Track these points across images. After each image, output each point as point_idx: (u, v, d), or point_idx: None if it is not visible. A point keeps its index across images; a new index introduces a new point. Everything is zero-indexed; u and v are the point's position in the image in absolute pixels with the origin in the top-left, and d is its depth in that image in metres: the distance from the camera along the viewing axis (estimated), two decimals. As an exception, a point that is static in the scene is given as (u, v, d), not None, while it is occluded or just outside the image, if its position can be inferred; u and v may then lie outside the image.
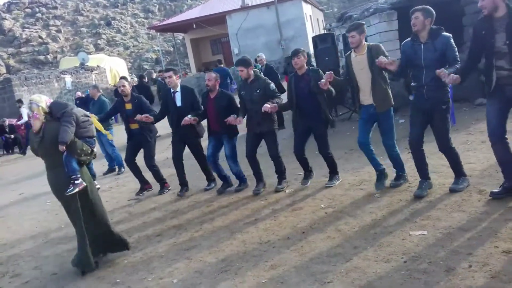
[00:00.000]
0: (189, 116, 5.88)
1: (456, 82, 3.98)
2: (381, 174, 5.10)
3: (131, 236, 5.00)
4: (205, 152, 6.21)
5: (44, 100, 4.24)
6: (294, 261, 3.70)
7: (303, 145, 5.62)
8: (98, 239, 4.37)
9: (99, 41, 41.65)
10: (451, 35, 4.34)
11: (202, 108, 6.08)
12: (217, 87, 5.95)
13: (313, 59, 10.79)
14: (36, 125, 4.17)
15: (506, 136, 4.07)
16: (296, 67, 5.46)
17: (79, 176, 4.17)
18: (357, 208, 4.61)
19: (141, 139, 6.49)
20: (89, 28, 44.24)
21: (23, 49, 39.30)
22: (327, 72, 5.06)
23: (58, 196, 4.26)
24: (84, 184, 4.20)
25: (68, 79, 20.84)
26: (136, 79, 23.14)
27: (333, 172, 5.60)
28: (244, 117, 5.75)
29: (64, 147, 4.07)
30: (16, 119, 14.65)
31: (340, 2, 46.67)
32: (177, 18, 30.20)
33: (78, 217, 4.23)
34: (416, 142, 4.58)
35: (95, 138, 4.59)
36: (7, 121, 15.35)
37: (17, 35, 40.46)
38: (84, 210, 4.25)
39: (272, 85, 5.68)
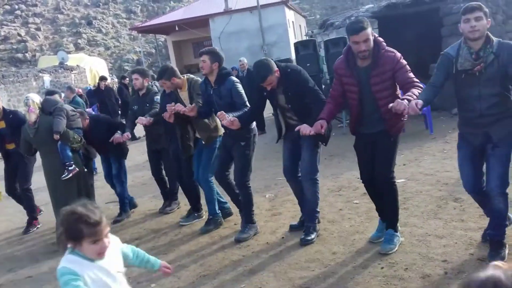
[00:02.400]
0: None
1: (233, 126, 3.93)
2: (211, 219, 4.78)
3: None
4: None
5: (37, 97, 4.94)
6: (273, 266, 3.71)
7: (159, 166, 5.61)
8: None
9: (79, 41, 41.12)
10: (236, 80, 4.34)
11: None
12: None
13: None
14: (32, 117, 4.77)
15: None
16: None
17: (72, 162, 4.82)
18: (335, 214, 4.66)
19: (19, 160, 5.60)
20: (69, 27, 43.64)
21: (1, 47, 38.53)
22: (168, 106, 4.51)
23: (52, 180, 4.87)
24: (77, 169, 4.85)
25: (47, 78, 20.49)
26: (116, 79, 22.90)
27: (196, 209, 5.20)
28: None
29: (58, 136, 4.71)
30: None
31: (322, 9, 47.17)
32: (160, 19, 30.07)
33: (65, 202, 4.26)
34: (220, 175, 4.52)
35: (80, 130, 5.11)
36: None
37: (-6, 32, 39.65)
38: (73, 195, 4.62)
39: (157, 97, 5.29)
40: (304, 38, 25.13)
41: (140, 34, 35.91)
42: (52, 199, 4.95)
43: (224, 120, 3.93)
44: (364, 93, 3.52)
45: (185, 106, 4.46)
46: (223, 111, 3.99)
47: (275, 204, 5.30)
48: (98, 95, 12.16)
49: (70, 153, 4.83)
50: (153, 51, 38.22)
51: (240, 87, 4.34)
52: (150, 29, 30.35)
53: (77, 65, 23.20)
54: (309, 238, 4.04)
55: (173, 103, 4.47)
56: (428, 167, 5.68)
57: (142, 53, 35.24)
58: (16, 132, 5.19)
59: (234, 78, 4.37)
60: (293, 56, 11.59)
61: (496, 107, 3.07)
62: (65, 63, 22.71)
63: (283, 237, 4.28)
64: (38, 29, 42.28)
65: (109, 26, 44.90)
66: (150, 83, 5.76)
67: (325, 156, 7.10)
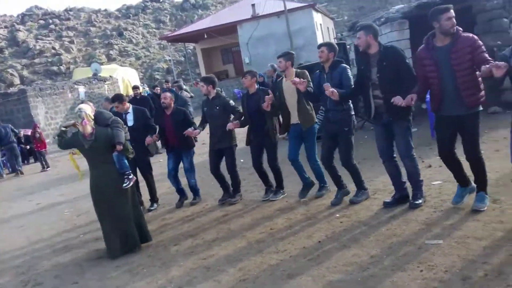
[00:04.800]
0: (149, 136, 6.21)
1: (333, 96, 4.68)
2: (307, 185, 5.79)
3: (149, 245, 5.09)
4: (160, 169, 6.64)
5: (89, 109, 4.96)
6: (311, 270, 3.75)
7: (260, 159, 5.98)
8: (118, 231, 4.93)
9: (111, 52, 42.19)
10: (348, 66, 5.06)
11: (156, 127, 6.42)
12: (172, 105, 6.31)
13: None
14: (88, 129, 4.82)
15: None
16: (245, 86, 5.99)
17: (131, 171, 5.04)
18: (372, 217, 4.66)
19: None
20: (101, 38, 44.84)
21: (36, 60, 39.93)
22: (267, 97, 5.51)
23: (102, 189, 4.89)
24: (135, 178, 5.12)
25: (82, 89, 21.14)
26: (147, 88, 23.39)
27: (279, 186, 6.01)
28: (203, 130, 6.24)
29: (122, 147, 4.90)
30: (31, 130, 14.90)
31: (350, 10, 46.81)
32: (188, 28, 30.54)
33: (121, 210, 4.91)
34: (327, 160, 5.24)
35: None
36: (22, 132, 15.61)
37: (30, 47, 41.15)
38: (127, 203, 4.97)
39: (232, 102, 6.14)
40: (334, 40, 25.01)
41: (169, 43, 36.55)
42: (101, 209, 4.92)
43: (328, 89, 4.66)
44: (444, 71, 4.01)
45: (283, 95, 5.55)
46: (328, 84, 4.76)
47: (310, 208, 5.34)
48: (134, 103, 12.42)
49: (127, 163, 5.03)
50: (183, 59, 38.82)
51: (349, 72, 5.06)
52: (179, 37, 30.85)
53: (110, 76, 23.83)
54: (417, 202, 4.59)
55: (271, 95, 5.50)
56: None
57: (172, 61, 35.82)
58: None
59: (345, 65, 5.12)
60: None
61: None
62: (99, 74, 23.37)
63: (319, 241, 4.31)
64: (72, 42, 43.63)
65: (139, 37, 45.89)
66: (219, 89, 6.43)
67: (358, 160, 7.07)
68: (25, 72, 38.08)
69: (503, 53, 3.83)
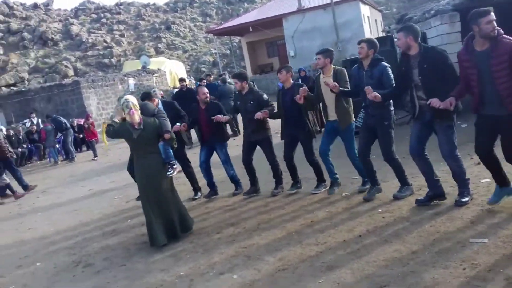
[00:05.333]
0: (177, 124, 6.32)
1: (376, 99, 4.70)
2: (334, 182, 5.83)
3: (192, 232, 5.26)
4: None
5: (135, 99, 5.09)
6: (350, 264, 3.77)
7: (291, 152, 6.04)
8: (163, 219, 5.05)
9: (159, 45, 43.14)
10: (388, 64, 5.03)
11: (185, 116, 6.58)
12: (208, 99, 6.47)
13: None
14: (136, 119, 4.94)
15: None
16: (281, 81, 6.06)
17: (175, 161, 5.27)
18: (415, 213, 4.60)
19: None
20: (150, 32, 45.93)
21: (89, 53, 41.45)
22: (301, 88, 5.55)
23: (150, 178, 4.99)
24: (179, 168, 5.20)
25: (131, 81, 21.81)
26: (194, 81, 23.80)
27: (320, 180, 6.01)
28: (232, 117, 6.39)
29: (170, 136, 5.12)
30: (83, 119, 15.57)
31: (399, 2, 45.54)
32: (234, 21, 30.73)
33: (165, 197, 5.06)
34: (364, 153, 5.24)
35: None
36: (76, 121, 16.35)
37: (83, 40, 42.73)
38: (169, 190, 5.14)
39: (265, 96, 6.19)
40: (381, 33, 24.49)
41: (215, 37, 36.94)
42: (148, 197, 5.00)
43: (370, 94, 4.70)
44: (483, 75, 3.96)
45: (320, 91, 5.58)
46: (370, 87, 4.76)
47: (351, 202, 5.33)
48: (180, 95, 12.71)
49: (172, 153, 5.21)
50: (228, 52, 39.18)
51: (390, 71, 5.01)
52: (225, 31, 31.11)
53: (158, 68, 24.43)
54: (463, 200, 4.52)
55: (304, 87, 5.57)
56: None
57: (217, 54, 36.23)
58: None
59: (386, 64, 5.06)
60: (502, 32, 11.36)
61: None
62: (147, 67, 24.00)
63: (360, 235, 4.31)
64: (122, 35, 44.95)
65: (186, 30, 46.67)
66: (252, 83, 6.59)
67: (403, 155, 6.96)
68: (78, 64, 39.65)
69: None
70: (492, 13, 3.90)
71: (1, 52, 38.66)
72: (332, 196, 5.66)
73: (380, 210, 4.87)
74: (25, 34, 41.43)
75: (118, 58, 40.92)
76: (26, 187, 10.06)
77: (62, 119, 14.82)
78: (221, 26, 32.13)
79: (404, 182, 5.19)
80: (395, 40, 10.73)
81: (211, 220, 5.64)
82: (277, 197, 6.06)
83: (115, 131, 5.09)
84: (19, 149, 14.98)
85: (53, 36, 42.53)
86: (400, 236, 4.13)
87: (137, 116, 4.94)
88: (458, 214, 4.34)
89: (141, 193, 5.12)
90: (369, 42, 5.15)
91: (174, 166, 5.20)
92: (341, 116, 5.49)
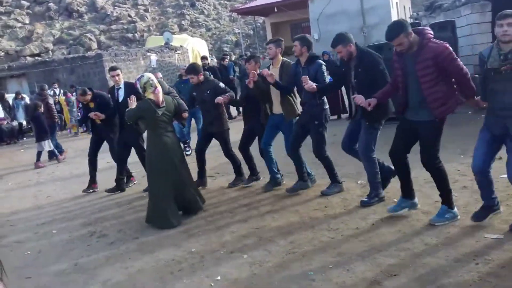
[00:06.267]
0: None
1: (312, 90, 4.80)
2: (272, 179, 5.78)
3: (206, 211, 5.30)
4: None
5: (155, 78, 5.10)
6: (362, 251, 3.76)
7: (246, 143, 6.02)
8: (178, 197, 5.06)
9: (183, 22, 43.06)
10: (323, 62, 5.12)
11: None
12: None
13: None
14: (160, 97, 4.95)
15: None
16: (248, 71, 5.77)
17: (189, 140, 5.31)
18: (430, 205, 4.54)
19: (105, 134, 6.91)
20: (174, 8, 45.81)
21: (113, 27, 41.63)
22: (251, 72, 5.48)
23: (171, 156, 4.99)
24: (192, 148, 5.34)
25: (154, 57, 21.86)
26: (216, 60, 23.75)
27: (300, 176, 5.67)
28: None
29: (187, 114, 5.30)
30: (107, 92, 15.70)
31: (429, -11, 44.36)
32: (259, 1, 30.39)
33: (184, 175, 5.11)
34: (294, 148, 5.31)
35: None
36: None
37: (108, 13, 42.89)
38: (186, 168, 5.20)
39: (221, 84, 6.05)
40: (409, 20, 23.93)
41: (239, 16, 36.64)
42: (168, 176, 4.96)
43: (306, 82, 4.76)
44: (409, 78, 3.97)
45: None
46: (307, 76, 4.84)
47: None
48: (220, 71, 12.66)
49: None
50: (251, 32, 38.89)
51: (325, 69, 5.12)
52: (249, 10, 30.83)
53: (181, 46, 24.40)
54: (369, 201, 4.73)
55: (253, 72, 5.44)
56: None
57: (240, 34, 36.00)
58: (103, 111, 6.56)
59: (321, 62, 5.14)
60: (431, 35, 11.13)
61: None
62: (170, 44, 23.99)
63: (373, 224, 4.28)
64: (146, 10, 44.95)
65: (211, 8, 46.40)
66: (207, 72, 6.45)
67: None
68: (102, 38, 39.89)
69: (481, 52, 3.71)
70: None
71: (27, 22, 39.10)
72: (347, 183, 5.61)
73: (395, 200, 4.82)
74: (51, 4, 41.74)
75: (142, 33, 41.02)
76: (61, 152, 10.44)
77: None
78: (246, 6, 31.86)
79: (334, 179, 5.31)
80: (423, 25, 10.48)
81: (226, 201, 5.66)
82: (291, 181, 6.03)
83: (137, 111, 5.02)
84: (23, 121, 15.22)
85: (79, 8, 42.78)
86: (413, 227, 4.10)
87: (161, 95, 4.95)
88: (474, 209, 4.26)
89: (160, 172, 4.96)
90: (302, 39, 5.18)
91: (190, 145, 5.27)
92: (286, 109, 5.42)
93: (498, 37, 3.49)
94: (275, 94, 5.49)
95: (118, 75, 6.39)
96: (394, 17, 25.40)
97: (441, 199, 4.14)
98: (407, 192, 4.36)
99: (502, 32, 3.42)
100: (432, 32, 3.94)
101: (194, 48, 25.57)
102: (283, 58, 5.60)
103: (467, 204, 4.39)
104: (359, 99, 4.27)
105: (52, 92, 17.13)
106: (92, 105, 6.79)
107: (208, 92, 5.91)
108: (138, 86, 5.02)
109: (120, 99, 6.44)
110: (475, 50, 9.70)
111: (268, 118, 5.65)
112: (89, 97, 6.81)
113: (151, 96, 4.92)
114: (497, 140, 3.69)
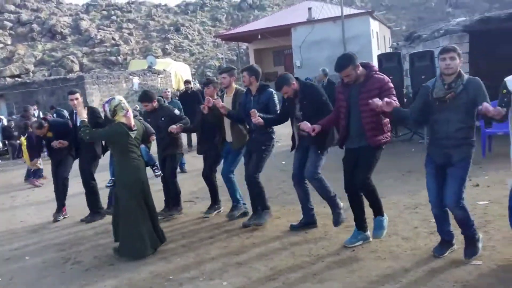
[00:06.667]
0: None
1: (259, 124, 4.83)
2: (234, 207, 5.71)
3: (185, 237, 5.21)
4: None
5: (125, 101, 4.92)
6: (343, 277, 3.72)
7: (208, 169, 5.88)
8: (156, 226, 4.91)
9: (167, 46, 43.30)
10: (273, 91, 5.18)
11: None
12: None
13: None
14: (132, 120, 4.78)
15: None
16: (206, 95, 5.80)
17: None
18: (410, 231, 4.55)
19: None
20: (159, 32, 46.12)
21: (96, 49, 41.60)
22: (206, 97, 5.55)
23: (144, 181, 4.83)
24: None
25: (136, 80, 21.85)
26: (198, 85, 23.83)
27: (215, 202, 5.94)
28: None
29: (154, 138, 5.25)
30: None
31: (409, 20, 45.73)
32: (243, 28, 30.86)
33: (151, 202, 4.91)
34: (247, 176, 5.23)
35: None
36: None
37: (92, 36, 42.91)
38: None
39: (176, 110, 6.07)
40: (389, 49, 24.55)
41: (223, 41, 37.08)
42: (139, 202, 4.74)
43: (254, 117, 4.78)
44: (352, 108, 4.15)
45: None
46: (255, 110, 4.85)
47: (347, 216, 5.25)
48: (184, 98, 12.69)
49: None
50: (235, 58, 39.28)
51: (276, 97, 5.18)
52: (233, 37, 31.24)
53: (164, 70, 24.47)
54: (339, 219, 4.75)
55: (209, 98, 5.49)
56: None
57: (224, 60, 36.34)
58: (63, 138, 6.32)
59: (272, 90, 5.16)
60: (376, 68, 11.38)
61: (460, 132, 3.65)
62: (153, 67, 24.05)
63: (353, 250, 4.26)
64: (131, 34, 45.15)
65: (195, 33, 46.85)
66: (161, 98, 6.49)
67: (403, 172, 6.93)
68: (84, 60, 39.78)
69: (426, 84, 3.87)
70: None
71: (9, 42, 38.80)
72: (328, 209, 5.59)
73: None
74: (35, 26, 41.61)
75: (125, 57, 41.05)
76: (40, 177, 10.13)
77: (65, 112, 14.76)
78: (230, 32, 32.28)
79: (264, 206, 5.25)
80: (402, 55, 10.72)
81: (204, 226, 5.58)
82: (274, 208, 5.97)
83: (109, 134, 4.79)
84: (18, 141, 14.92)
85: (62, 30, 42.72)
86: (394, 252, 4.09)
87: (132, 117, 4.80)
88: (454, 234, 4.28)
89: (133, 198, 4.69)
90: (250, 70, 5.26)
91: (158, 168, 5.32)
92: (235, 137, 5.46)
93: (441, 70, 3.68)
94: (227, 122, 5.54)
95: (76, 99, 6.05)
96: (375, 47, 26.05)
97: (373, 213, 4.34)
98: (361, 225, 4.43)
99: (445, 65, 3.63)
100: (377, 67, 4.24)
101: (177, 72, 25.69)
102: (237, 86, 5.66)
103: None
104: (305, 124, 4.38)
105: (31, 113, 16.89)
106: (50, 134, 6.51)
107: (163, 119, 5.86)
108: (107, 109, 4.73)
109: (78, 123, 6.24)
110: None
111: (224, 145, 5.67)
112: (45, 129, 6.49)
113: (123, 120, 4.70)
114: (442, 170, 3.81)
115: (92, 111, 6.12)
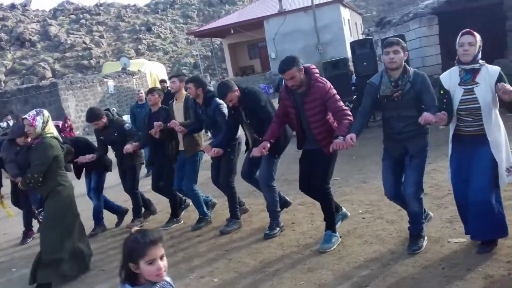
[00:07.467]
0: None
1: (217, 155, 4.76)
2: (201, 219, 5.42)
3: (173, 237, 5.20)
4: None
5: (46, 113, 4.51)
6: (331, 265, 3.77)
7: (159, 181, 5.62)
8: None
9: (139, 46, 42.81)
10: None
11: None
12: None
13: (351, 64, 10.83)
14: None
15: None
16: (150, 103, 5.64)
17: None
18: (395, 214, 4.63)
19: None
20: (130, 33, 45.54)
21: (67, 54, 40.87)
22: (155, 123, 5.21)
23: (75, 208, 4.58)
24: None
25: (111, 83, 21.56)
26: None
27: (174, 214, 5.67)
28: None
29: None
30: (62, 122, 15.32)
31: (379, 5, 46.15)
32: (215, 23, 30.73)
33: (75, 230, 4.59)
34: (215, 179, 5.23)
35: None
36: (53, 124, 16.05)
37: (62, 41, 42.12)
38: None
39: (127, 124, 5.86)
40: (361, 36, 24.77)
41: (196, 38, 36.84)
42: (73, 224, 4.54)
43: (209, 152, 4.75)
44: (301, 116, 4.09)
45: (173, 118, 5.30)
46: (208, 146, 4.83)
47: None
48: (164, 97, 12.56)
49: None
50: (209, 54, 39.09)
51: (223, 108, 4.99)
52: (206, 33, 31.08)
53: (138, 70, 24.20)
54: (272, 233, 4.64)
55: (159, 123, 5.21)
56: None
57: (199, 56, 36.12)
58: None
59: (218, 100, 4.99)
60: (350, 55, 11.51)
61: (412, 125, 3.61)
62: (127, 69, 23.76)
63: (340, 236, 4.32)
64: (102, 36, 44.46)
65: (167, 32, 46.42)
66: (109, 113, 5.97)
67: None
68: (56, 66, 39.04)
69: (371, 80, 3.77)
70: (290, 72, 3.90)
71: (-23, 53, 37.84)
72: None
73: (360, 211, 4.90)
74: (2, 35, 40.65)
75: (98, 60, 40.46)
76: None
77: None
78: (202, 28, 32.09)
79: (234, 215, 5.09)
80: (374, 40, 10.84)
81: (191, 224, 5.57)
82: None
83: (50, 153, 4.32)
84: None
85: (31, 37, 41.84)
86: (379, 236, 4.16)
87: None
88: (436, 215, 4.38)
89: (69, 218, 4.48)
90: (196, 81, 5.08)
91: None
92: (187, 145, 5.29)
93: (386, 65, 3.61)
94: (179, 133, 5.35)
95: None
96: (347, 34, 26.24)
97: (325, 225, 4.22)
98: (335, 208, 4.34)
99: (389, 59, 3.54)
100: (318, 71, 4.06)
101: (152, 72, 25.44)
102: (187, 93, 5.40)
103: (429, 210, 4.50)
104: (255, 151, 4.22)
105: (5, 124, 16.56)
106: None
107: (115, 134, 5.69)
108: (41, 122, 4.29)
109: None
110: (425, 62, 10.13)
111: (178, 157, 5.49)
112: None
113: (52, 130, 4.39)
114: (399, 163, 3.80)
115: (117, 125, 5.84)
